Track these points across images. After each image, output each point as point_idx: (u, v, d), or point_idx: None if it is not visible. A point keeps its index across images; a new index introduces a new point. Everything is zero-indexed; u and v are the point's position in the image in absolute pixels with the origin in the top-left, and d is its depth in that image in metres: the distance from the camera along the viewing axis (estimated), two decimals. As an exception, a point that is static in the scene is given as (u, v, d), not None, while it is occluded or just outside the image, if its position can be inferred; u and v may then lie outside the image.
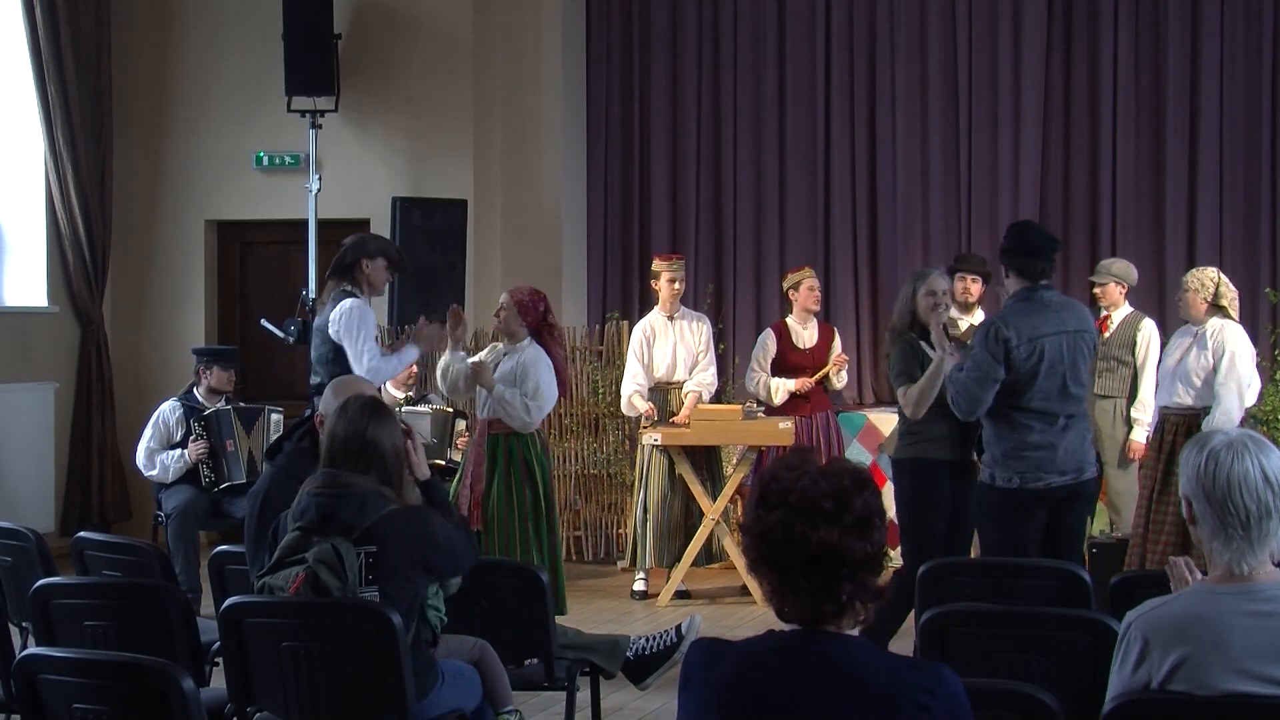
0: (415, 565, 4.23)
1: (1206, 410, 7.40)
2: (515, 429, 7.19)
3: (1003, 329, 5.83)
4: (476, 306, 10.37)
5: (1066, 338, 5.89)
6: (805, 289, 8.97)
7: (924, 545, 6.31)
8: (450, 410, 8.54)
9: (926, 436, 6.38)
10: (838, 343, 9.07)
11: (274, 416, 8.75)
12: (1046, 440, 5.87)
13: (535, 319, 7.27)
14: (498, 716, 4.66)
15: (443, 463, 8.57)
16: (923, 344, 6.42)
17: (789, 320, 9.03)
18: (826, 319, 9.85)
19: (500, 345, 7.51)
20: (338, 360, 6.83)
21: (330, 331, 6.86)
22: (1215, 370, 7.39)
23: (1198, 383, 7.44)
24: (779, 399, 8.85)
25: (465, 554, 4.47)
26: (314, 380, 6.98)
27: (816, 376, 8.84)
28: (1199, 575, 3.40)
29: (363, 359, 6.77)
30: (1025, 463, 5.88)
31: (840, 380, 9.00)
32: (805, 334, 8.96)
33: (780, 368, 8.91)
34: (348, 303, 6.87)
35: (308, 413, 5.95)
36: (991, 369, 5.83)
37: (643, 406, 8.76)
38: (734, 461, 8.94)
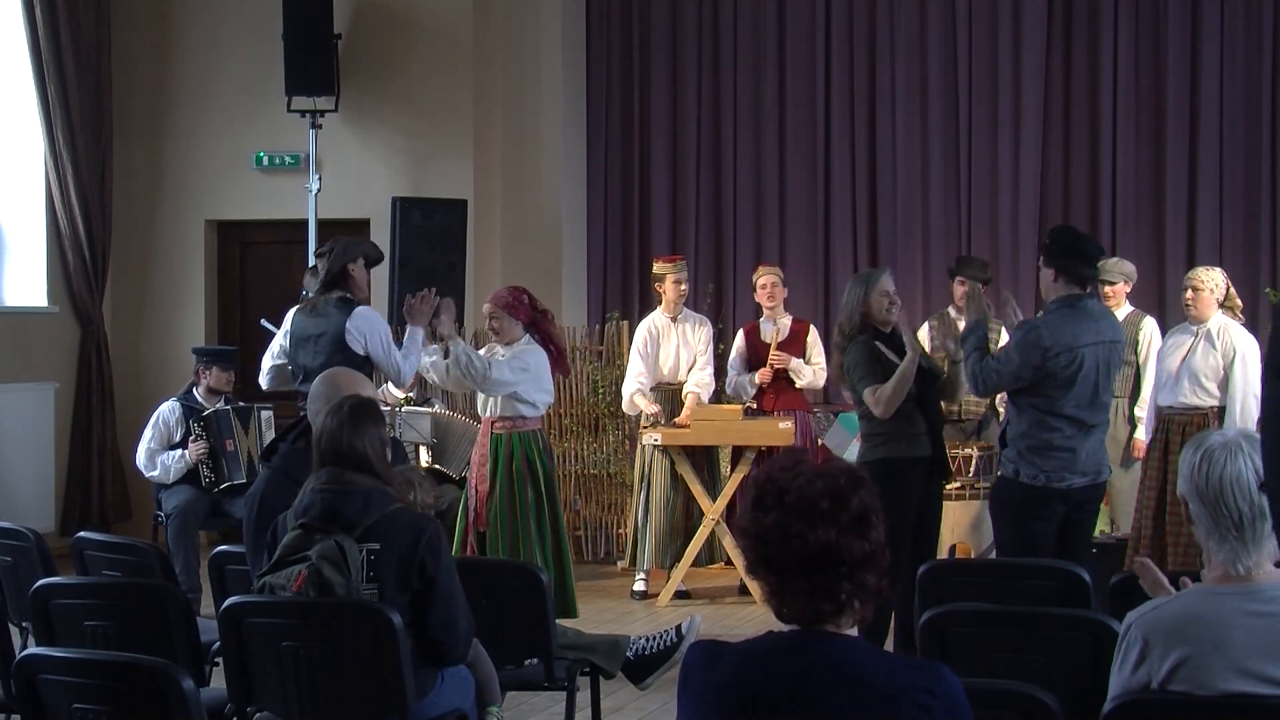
0: (414, 565, 4.20)
1: (1215, 409, 7.39)
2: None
3: (1043, 336, 5.85)
4: (476, 306, 10.34)
5: (1102, 348, 5.96)
6: (758, 286, 9.03)
7: (898, 546, 6.30)
8: (469, 421, 8.51)
9: (900, 434, 6.35)
10: (813, 335, 8.99)
11: (264, 414, 8.74)
12: (1071, 444, 5.95)
13: (528, 313, 7.28)
14: (485, 712, 4.63)
15: (440, 468, 8.55)
16: (878, 344, 6.42)
17: (762, 319, 9.05)
18: (825, 319, 9.84)
19: (499, 349, 7.50)
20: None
21: (358, 346, 6.79)
22: (1229, 369, 7.38)
23: (1207, 382, 7.43)
24: (749, 396, 8.87)
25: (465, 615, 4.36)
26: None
27: (767, 369, 8.78)
28: (1180, 581, 3.42)
29: (403, 369, 6.97)
30: (1052, 462, 5.95)
31: (801, 377, 8.89)
32: (773, 330, 8.94)
33: (755, 365, 8.92)
34: (364, 311, 6.89)
35: (302, 413, 5.92)
36: (1021, 369, 5.89)
37: (650, 407, 8.73)
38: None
